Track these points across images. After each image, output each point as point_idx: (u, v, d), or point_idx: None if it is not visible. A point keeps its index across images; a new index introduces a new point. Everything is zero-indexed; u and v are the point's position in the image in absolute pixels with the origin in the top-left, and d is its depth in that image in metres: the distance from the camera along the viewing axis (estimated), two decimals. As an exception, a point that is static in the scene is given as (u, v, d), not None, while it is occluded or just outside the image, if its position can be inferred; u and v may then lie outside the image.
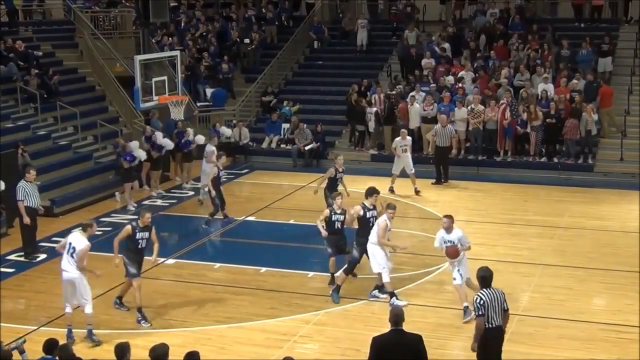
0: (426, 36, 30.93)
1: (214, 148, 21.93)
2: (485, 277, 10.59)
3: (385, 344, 9.28)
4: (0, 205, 19.26)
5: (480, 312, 10.30)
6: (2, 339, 11.01)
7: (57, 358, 9.82)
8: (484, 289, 10.47)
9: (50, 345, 9.95)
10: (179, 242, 18.72)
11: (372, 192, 15.01)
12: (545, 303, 14.47)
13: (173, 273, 16.48)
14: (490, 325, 10.30)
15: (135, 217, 20.57)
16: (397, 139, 22.70)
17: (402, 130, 23.10)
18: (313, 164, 26.53)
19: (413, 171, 22.40)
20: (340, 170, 18.94)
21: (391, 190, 22.36)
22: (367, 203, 14.90)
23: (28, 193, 17.31)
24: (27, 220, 17.25)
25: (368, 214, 14.77)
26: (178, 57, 23.86)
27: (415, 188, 22.31)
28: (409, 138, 22.72)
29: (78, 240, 13.17)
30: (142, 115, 25.36)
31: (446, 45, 29.27)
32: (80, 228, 13.52)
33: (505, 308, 10.51)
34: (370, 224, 14.64)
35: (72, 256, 13.04)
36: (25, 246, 17.68)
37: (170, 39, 30.79)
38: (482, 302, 10.30)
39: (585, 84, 25.80)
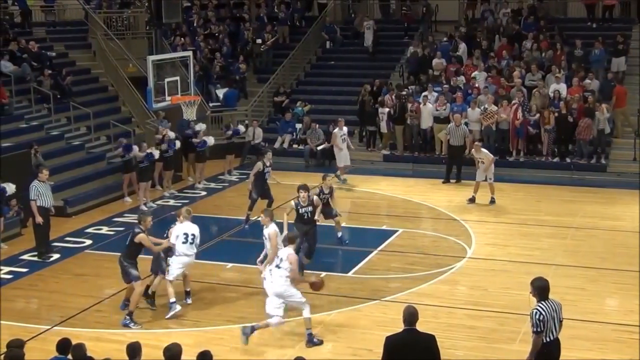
0: (443, 35, 30.86)
1: (342, 132, 24.15)
2: (544, 288, 9.84)
3: (398, 343, 9.27)
4: (15, 204, 19.29)
5: (539, 329, 9.65)
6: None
7: (70, 358, 9.85)
8: (543, 302, 9.78)
9: (63, 345, 9.95)
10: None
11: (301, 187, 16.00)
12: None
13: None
14: (548, 340, 9.77)
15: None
16: (473, 150, 21.75)
17: (476, 143, 21.93)
18: (325, 164, 26.50)
19: (492, 180, 21.42)
20: (326, 191, 17.54)
21: (472, 199, 21.57)
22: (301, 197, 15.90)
23: (41, 193, 17.39)
24: (39, 219, 17.31)
25: (301, 210, 15.90)
26: (190, 57, 23.92)
27: (492, 197, 21.43)
28: (484, 150, 21.43)
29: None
30: (154, 116, 25.44)
31: (462, 45, 29.24)
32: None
33: (561, 319, 9.93)
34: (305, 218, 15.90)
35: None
36: (38, 246, 17.74)
37: (182, 39, 30.88)
38: (541, 317, 9.64)
39: (601, 83, 25.77)
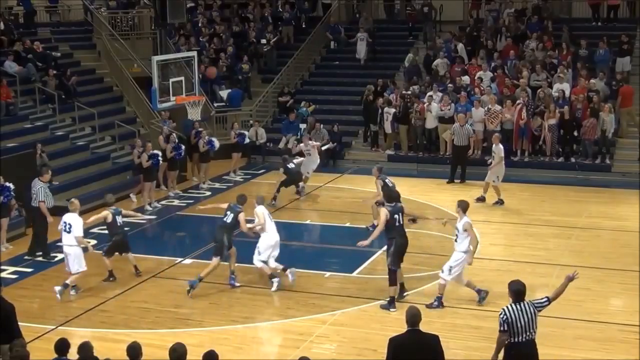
0: (447, 35, 30.84)
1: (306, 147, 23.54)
2: (519, 292, 10.02)
3: (402, 344, 9.27)
4: (14, 204, 19.27)
5: (502, 328, 9.83)
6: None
7: (69, 358, 9.80)
8: (514, 304, 9.95)
9: (61, 346, 9.88)
10: (195, 242, 18.73)
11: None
12: (563, 304, 14.25)
13: (190, 273, 16.46)
14: (516, 340, 9.83)
15: (153, 217, 20.83)
16: (493, 143, 21.75)
17: (496, 135, 22.00)
18: (330, 164, 26.49)
19: (498, 181, 21.31)
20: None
21: (482, 199, 21.57)
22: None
23: (47, 194, 17.46)
24: (50, 219, 17.37)
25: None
26: (195, 57, 23.96)
27: (500, 198, 21.41)
28: (500, 146, 21.36)
29: None
30: (159, 116, 25.47)
31: (460, 46, 29.22)
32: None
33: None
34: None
35: None
36: (41, 246, 17.72)
37: (187, 39, 30.88)
38: (505, 317, 9.82)
39: (607, 83, 25.75)
